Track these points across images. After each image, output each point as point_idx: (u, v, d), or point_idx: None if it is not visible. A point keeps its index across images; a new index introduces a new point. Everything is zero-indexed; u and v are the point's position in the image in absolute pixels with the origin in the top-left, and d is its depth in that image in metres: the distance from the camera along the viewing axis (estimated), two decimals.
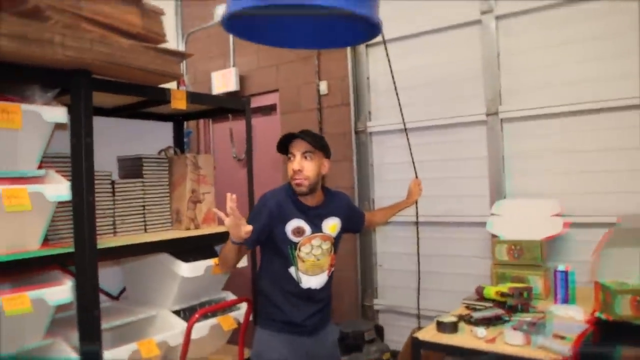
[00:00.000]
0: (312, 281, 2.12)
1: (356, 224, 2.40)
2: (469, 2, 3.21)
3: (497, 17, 3.11)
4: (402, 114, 2.91)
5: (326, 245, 2.14)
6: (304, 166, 2.04)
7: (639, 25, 2.67)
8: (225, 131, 4.75)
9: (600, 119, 2.81)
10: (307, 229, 2.08)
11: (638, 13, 2.67)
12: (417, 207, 2.87)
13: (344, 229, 2.25)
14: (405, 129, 2.94)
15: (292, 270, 2.09)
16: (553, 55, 2.96)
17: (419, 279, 3.10)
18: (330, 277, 2.20)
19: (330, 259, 2.18)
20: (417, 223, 3.05)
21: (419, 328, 2.71)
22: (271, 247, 2.10)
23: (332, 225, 2.17)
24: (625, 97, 2.70)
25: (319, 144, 2.08)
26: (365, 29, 2.18)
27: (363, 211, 2.51)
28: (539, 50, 3.00)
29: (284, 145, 2.09)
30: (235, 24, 2.07)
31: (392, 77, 2.83)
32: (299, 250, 2.07)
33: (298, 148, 2.05)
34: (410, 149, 2.92)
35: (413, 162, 2.88)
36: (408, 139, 2.93)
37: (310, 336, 2.15)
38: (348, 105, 3.79)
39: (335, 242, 2.20)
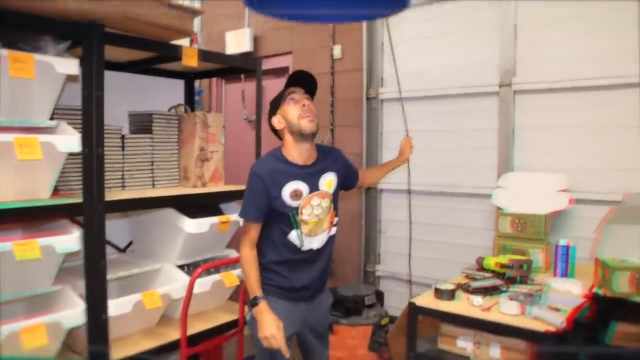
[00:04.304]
0: (314, 242, 2.09)
1: (351, 180, 2.33)
2: None
3: None
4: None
5: (326, 203, 2.09)
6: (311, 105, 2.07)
7: None
8: (237, 92, 4.75)
9: (613, 95, 2.77)
10: (305, 189, 2.04)
11: None
12: (409, 175, 2.87)
13: (341, 185, 2.21)
14: (401, 97, 2.93)
15: (292, 235, 2.05)
16: (569, 30, 2.90)
17: (410, 245, 3.13)
18: (331, 236, 2.17)
19: (331, 217, 2.14)
20: (409, 191, 3.06)
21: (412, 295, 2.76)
22: (271, 217, 2.05)
23: (328, 181, 2.11)
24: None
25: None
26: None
27: (356, 168, 2.44)
28: (555, 23, 2.94)
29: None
30: None
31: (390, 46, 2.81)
32: (301, 214, 2.04)
33: (299, 91, 2.09)
34: (402, 109, 2.91)
35: (405, 122, 2.87)
36: (402, 103, 2.92)
37: (307, 302, 2.15)
38: (361, 71, 3.76)
39: (334, 198, 2.15)
